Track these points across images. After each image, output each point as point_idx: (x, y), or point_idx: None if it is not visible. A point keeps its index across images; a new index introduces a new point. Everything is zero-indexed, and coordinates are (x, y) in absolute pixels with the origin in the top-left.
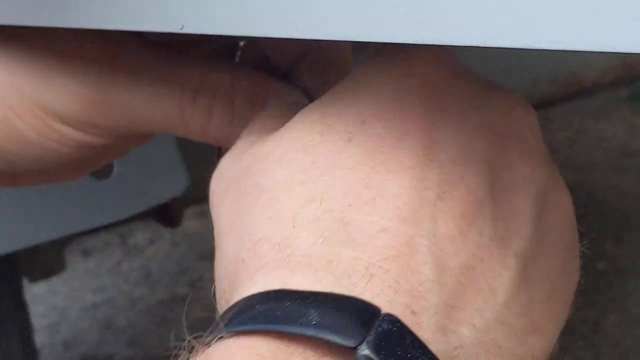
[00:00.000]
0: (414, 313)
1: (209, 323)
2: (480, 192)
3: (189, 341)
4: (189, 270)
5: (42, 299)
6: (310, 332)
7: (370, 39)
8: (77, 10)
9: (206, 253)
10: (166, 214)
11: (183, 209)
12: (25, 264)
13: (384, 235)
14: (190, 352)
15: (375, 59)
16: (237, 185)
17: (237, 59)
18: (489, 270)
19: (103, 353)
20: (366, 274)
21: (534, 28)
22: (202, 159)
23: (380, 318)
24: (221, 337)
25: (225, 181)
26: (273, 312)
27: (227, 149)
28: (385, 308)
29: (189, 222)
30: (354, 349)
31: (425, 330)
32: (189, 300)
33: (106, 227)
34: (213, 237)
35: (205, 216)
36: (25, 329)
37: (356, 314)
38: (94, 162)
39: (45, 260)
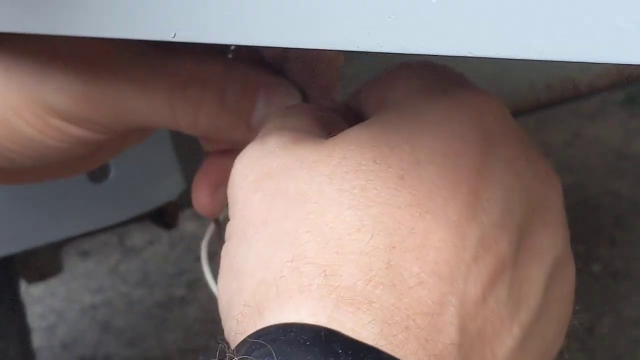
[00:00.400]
0: None
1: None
2: (507, 258)
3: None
4: (186, 271)
5: (40, 300)
6: None
7: (359, 48)
8: (71, 19)
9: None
10: (163, 216)
11: (179, 210)
12: (21, 266)
13: (421, 289)
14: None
15: (429, 87)
16: (276, 184)
17: (229, 55)
18: (496, 336)
19: (101, 354)
20: (404, 327)
21: (520, 38)
22: (197, 162)
23: None
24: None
25: (260, 172)
26: (326, 356)
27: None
28: None
29: (186, 223)
30: None
31: None
32: (186, 301)
33: (104, 229)
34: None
35: (203, 218)
36: (22, 331)
37: None
38: (91, 160)
39: (41, 262)
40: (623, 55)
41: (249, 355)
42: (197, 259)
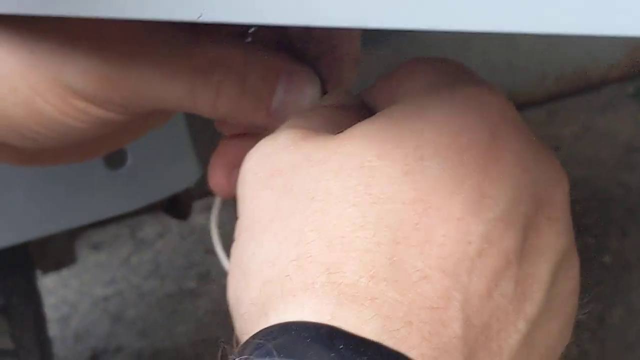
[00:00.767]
0: None
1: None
2: (512, 254)
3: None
4: (197, 264)
5: (53, 291)
6: None
7: (382, 25)
8: (94, 1)
9: (214, 247)
10: (176, 206)
11: (192, 201)
12: (37, 256)
13: (425, 283)
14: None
15: (436, 83)
16: (285, 181)
17: (248, 39)
18: (502, 331)
19: (113, 345)
20: (407, 322)
21: (538, 13)
22: (213, 150)
23: None
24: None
25: (269, 168)
26: (327, 352)
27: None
28: None
29: (197, 216)
30: None
31: None
32: (197, 293)
33: (116, 220)
34: (221, 232)
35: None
36: (39, 319)
37: None
38: (110, 142)
39: (56, 252)
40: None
41: (250, 355)
42: (208, 251)
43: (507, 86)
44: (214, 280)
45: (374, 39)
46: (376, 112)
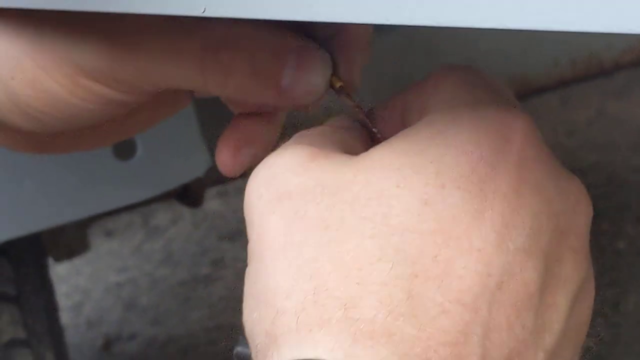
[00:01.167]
0: None
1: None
2: (533, 285)
3: None
4: (210, 250)
5: (65, 279)
6: None
7: (389, 21)
8: None
9: (227, 233)
10: (188, 195)
11: (204, 189)
12: (49, 244)
13: (444, 318)
14: None
15: (462, 99)
16: (295, 207)
17: None
18: None
19: (126, 332)
20: (424, 358)
21: (547, 10)
22: None
23: None
24: None
25: (276, 191)
26: None
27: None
28: None
29: (210, 202)
30: None
31: None
32: (210, 280)
33: (129, 208)
34: (234, 218)
35: (227, 196)
36: (51, 308)
37: None
38: (120, 129)
39: (68, 240)
40: None
41: None
42: (221, 237)
43: (520, 71)
44: (227, 266)
45: (383, 27)
46: (404, 122)
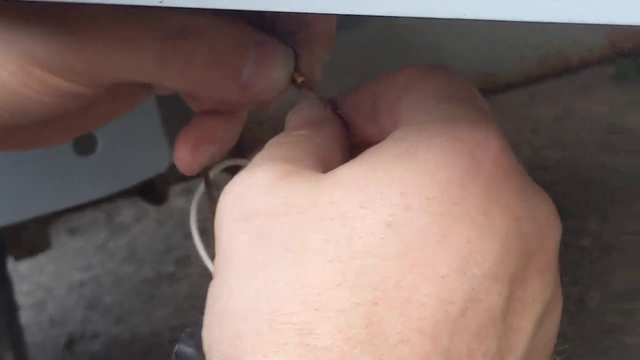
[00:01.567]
0: None
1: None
2: (497, 311)
3: None
4: (175, 248)
5: (28, 277)
6: None
7: (362, 11)
8: None
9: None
10: (151, 191)
11: (168, 186)
12: (10, 242)
13: (404, 346)
14: None
15: (426, 119)
16: (261, 226)
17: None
18: None
19: (90, 330)
20: None
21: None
22: None
23: None
24: None
25: (245, 209)
26: None
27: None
28: None
29: (175, 200)
30: None
31: None
32: (175, 278)
33: (92, 205)
34: (200, 216)
35: (192, 194)
36: (9, 307)
37: None
38: (79, 123)
39: (30, 238)
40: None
41: None
42: (186, 235)
43: (488, 68)
44: (193, 264)
45: (349, 21)
46: (364, 126)
